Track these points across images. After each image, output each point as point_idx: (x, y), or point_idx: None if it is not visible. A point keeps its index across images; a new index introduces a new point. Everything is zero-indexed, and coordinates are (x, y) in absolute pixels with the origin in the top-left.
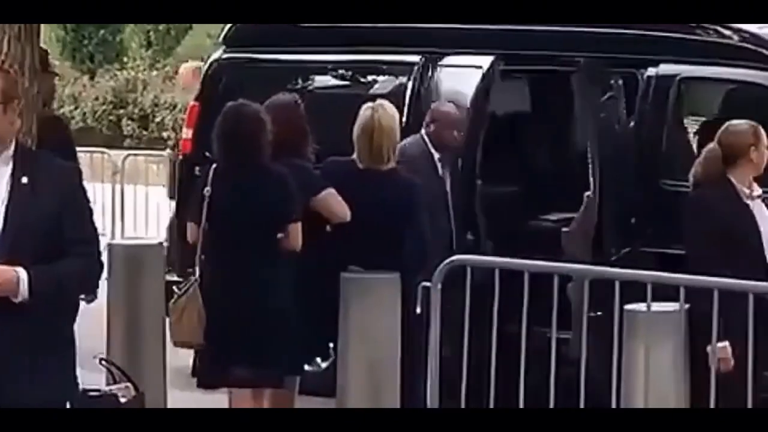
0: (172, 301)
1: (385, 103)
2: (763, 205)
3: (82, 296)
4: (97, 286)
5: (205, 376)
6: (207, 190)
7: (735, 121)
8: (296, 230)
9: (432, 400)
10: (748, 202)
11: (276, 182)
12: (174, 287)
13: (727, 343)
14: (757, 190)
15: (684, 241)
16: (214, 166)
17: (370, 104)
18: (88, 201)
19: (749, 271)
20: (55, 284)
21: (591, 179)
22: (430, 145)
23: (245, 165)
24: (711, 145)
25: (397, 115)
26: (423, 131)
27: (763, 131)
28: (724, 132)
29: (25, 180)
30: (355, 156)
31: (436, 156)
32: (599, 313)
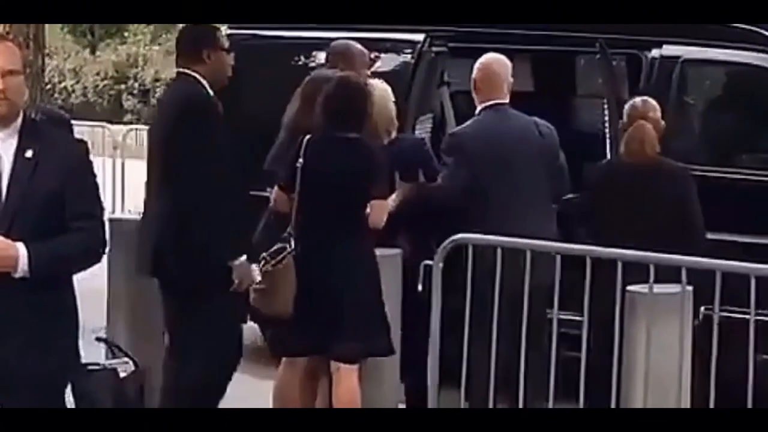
0: (261, 268)
1: (376, 81)
2: None
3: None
4: (99, 260)
5: (288, 345)
6: (300, 161)
7: (647, 98)
8: (379, 207)
9: (432, 378)
10: None
11: (366, 155)
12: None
13: None
14: None
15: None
16: (307, 137)
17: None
18: (94, 175)
19: None
20: (54, 260)
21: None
22: None
23: (344, 136)
24: (641, 122)
25: (390, 93)
26: None
27: None
28: (649, 108)
29: (29, 154)
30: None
31: None
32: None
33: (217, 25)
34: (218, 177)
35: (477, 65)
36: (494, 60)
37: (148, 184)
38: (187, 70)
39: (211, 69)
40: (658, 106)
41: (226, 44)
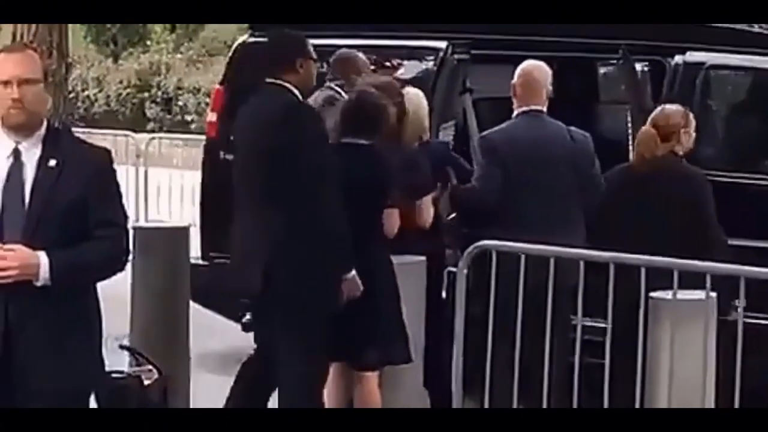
0: None
1: (411, 89)
2: None
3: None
4: (122, 268)
5: None
6: None
7: (668, 105)
8: (391, 216)
9: (456, 385)
10: None
11: (376, 162)
12: None
13: None
14: None
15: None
16: None
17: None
18: (117, 184)
19: None
20: (76, 268)
21: None
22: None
23: (355, 143)
24: (645, 127)
25: (424, 100)
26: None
27: (692, 116)
28: (658, 113)
29: (52, 163)
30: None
31: None
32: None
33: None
34: (329, 188)
35: (518, 71)
36: (535, 67)
37: (246, 199)
38: (278, 80)
39: (302, 79)
40: (679, 115)
41: (314, 53)
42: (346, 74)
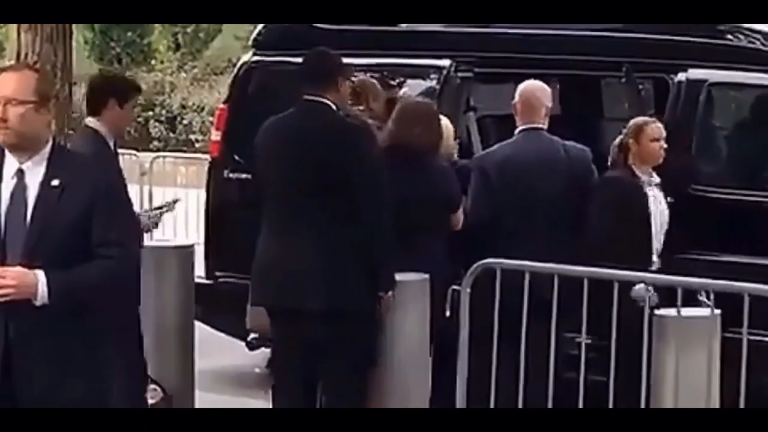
0: None
1: (441, 117)
2: (661, 194)
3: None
4: (128, 286)
5: None
6: None
7: (639, 118)
8: None
9: (460, 403)
10: (646, 188)
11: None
12: None
13: None
14: (655, 179)
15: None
16: None
17: None
18: (123, 202)
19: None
20: (74, 288)
21: None
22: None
23: None
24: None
25: (450, 127)
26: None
27: (652, 128)
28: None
29: (55, 183)
30: None
31: None
32: None
33: None
34: (383, 205)
35: (518, 90)
36: (533, 86)
37: (293, 213)
38: (319, 98)
39: (340, 97)
40: (633, 125)
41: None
42: (366, 99)
